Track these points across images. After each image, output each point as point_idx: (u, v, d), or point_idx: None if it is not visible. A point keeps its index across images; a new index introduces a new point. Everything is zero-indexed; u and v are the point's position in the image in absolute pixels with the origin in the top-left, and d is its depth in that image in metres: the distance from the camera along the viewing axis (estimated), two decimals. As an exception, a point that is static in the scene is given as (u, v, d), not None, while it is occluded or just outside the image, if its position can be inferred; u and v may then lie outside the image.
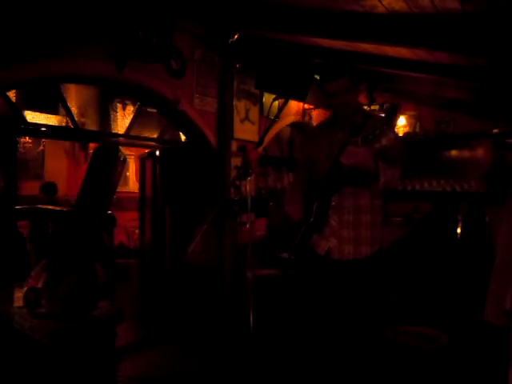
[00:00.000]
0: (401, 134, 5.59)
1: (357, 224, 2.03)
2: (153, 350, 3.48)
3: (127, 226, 6.58)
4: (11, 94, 3.72)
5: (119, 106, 6.40)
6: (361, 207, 2.04)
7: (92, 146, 6.42)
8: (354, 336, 2.05)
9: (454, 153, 5.35)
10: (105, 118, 6.44)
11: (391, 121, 1.73)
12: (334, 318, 2.08)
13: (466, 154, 5.27)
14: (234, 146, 4.63)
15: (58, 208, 3.99)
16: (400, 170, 1.99)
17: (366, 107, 5.56)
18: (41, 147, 6.56)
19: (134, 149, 6.00)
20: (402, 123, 5.66)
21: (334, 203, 2.04)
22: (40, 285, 2.21)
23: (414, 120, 5.75)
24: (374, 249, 2.06)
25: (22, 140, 6.19)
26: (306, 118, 6.14)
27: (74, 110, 5.33)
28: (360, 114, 2.10)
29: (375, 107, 5.55)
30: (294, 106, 5.92)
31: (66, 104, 4.19)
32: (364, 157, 1.83)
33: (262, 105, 5.27)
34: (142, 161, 4.74)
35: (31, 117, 5.39)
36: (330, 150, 2.08)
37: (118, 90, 5.70)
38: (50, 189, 5.16)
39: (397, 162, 1.97)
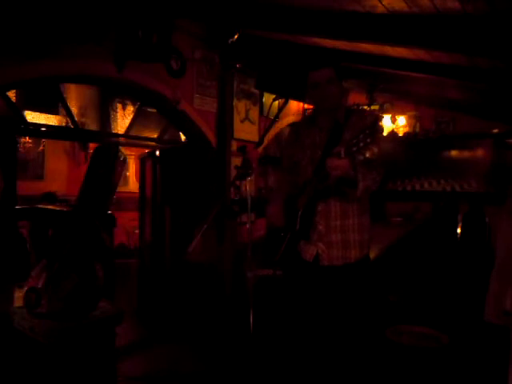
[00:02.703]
0: (401, 134, 5.59)
1: (344, 228, 2.01)
2: (153, 349, 3.48)
3: (127, 225, 6.57)
4: (11, 94, 3.73)
5: (119, 105, 6.39)
6: (348, 211, 2.02)
7: (92, 146, 6.42)
8: (350, 336, 2.04)
9: (454, 153, 5.36)
10: (105, 118, 6.44)
11: (376, 134, 1.69)
12: (329, 321, 2.05)
13: (466, 153, 5.27)
14: (234, 146, 4.63)
15: (57, 208, 3.99)
16: (381, 176, 1.96)
17: (365, 107, 5.56)
18: (41, 147, 6.55)
19: (134, 149, 6.00)
20: (402, 123, 5.66)
21: (320, 208, 2.02)
22: (40, 285, 2.21)
23: (414, 120, 5.76)
24: (364, 252, 2.05)
25: (22, 140, 6.19)
26: (306, 118, 6.13)
27: (74, 110, 5.33)
28: (342, 109, 2.07)
29: (375, 107, 5.55)
30: (294, 106, 5.92)
31: (66, 104, 4.20)
32: (347, 168, 1.81)
33: (262, 105, 5.27)
34: (142, 161, 4.74)
35: (31, 117, 5.39)
36: (312, 151, 2.07)
37: (117, 90, 5.70)
38: (51, 198, 5.50)
39: (377, 168, 1.94)
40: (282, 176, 2.33)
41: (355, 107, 5.54)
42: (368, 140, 1.69)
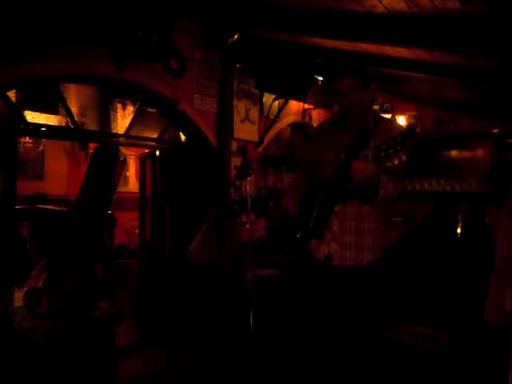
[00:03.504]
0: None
1: (359, 230, 2.01)
2: (153, 349, 3.48)
3: (127, 225, 6.57)
4: (11, 94, 3.72)
5: (119, 105, 6.39)
6: (364, 214, 2.01)
7: (92, 146, 6.42)
8: (354, 337, 2.04)
9: (454, 153, 5.36)
10: (105, 118, 6.43)
11: (407, 144, 1.66)
12: (334, 321, 2.06)
13: (466, 153, 5.27)
14: (234, 146, 4.63)
15: (57, 208, 3.99)
16: (402, 184, 1.96)
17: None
18: (41, 147, 6.55)
19: (134, 149, 6.00)
20: (402, 123, 5.66)
21: (336, 208, 2.02)
22: (40, 285, 2.21)
23: (414, 120, 5.76)
24: (376, 256, 2.03)
25: (22, 140, 6.19)
26: (306, 118, 6.15)
27: (74, 110, 5.32)
28: (371, 116, 2.06)
29: (375, 107, 5.55)
30: (294, 106, 5.92)
31: (66, 104, 4.19)
32: (371, 173, 1.80)
33: (262, 105, 5.26)
34: (142, 161, 4.74)
35: (31, 117, 5.38)
36: (336, 153, 2.05)
37: (117, 90, 5.70)
38: (41, 199, 5.66)
39: (399, 177, 1.94)
40: (298, 174, 2.34)
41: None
42: (398, 147, 1.67)
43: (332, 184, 1.97)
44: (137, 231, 5.56)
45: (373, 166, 1.77)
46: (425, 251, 4.63)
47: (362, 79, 1.96)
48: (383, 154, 1.71)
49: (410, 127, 1.97)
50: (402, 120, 5.66)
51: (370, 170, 1.78)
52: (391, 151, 1.69)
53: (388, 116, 5.57)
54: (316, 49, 3.75)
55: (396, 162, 1.69)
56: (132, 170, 7.37)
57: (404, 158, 1.68)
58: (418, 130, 5.69)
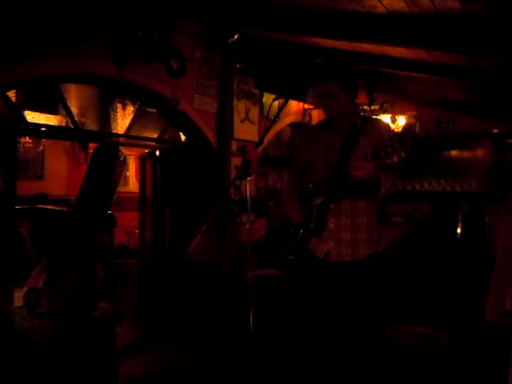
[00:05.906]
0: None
1: (354, 227, 2.07)
2: (153, 349, 3.48)
3: (127, 225, 6.57)
4: (11, 94, 3.71)
5: (119, 105, 6.38)
6: (358, 211, 2.08)
7: (92, 146, 6.42)
8: (354, 336, 2.06)
9: (454, 153, 5.36)
10: (105, 118, 6.42)
11: (405, 141, 1.74)
12: (334, 318, 2.09)
13: (466, 153, 5.28)
14: (234, 146, 4.63)
15: (57, 208, 3.99)
16: (397, 179, 2.05)
17: (365, 107, 5.57)
18: (41, 147, 6.55)
19: (134, 149, 5.99)
20: (402, 123, 5.66)
21: (332, 206, 2.08)
22: (40, 285, 2.21)
23: (414, 120, 5.76)
24: (371, 250, 2.10)
25: (22, 140, 6.19)
26: (306, 118, 6.14)
27: (74, 110, 5.31)
28: (358, 116, 2.16)
29: (375, 107, 5.55)
30: (294, 106, 5.92)
31: (66, 104, 4.19)
32: (371, 171, 1.85)
33: (262, 105, 5.27)
34: (142, 161, 4.74)
35: (31, 117, 5.37)
36: (327, 153, 2.12)
37: (118, 90, 5.68)
38: (42, 199, 5.70)
39: (396, 172, 2.01)
40: (293, 175, 2.40)
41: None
42: (397, 145, 1.73)
43: (331, 183, 2.03)
44: (137, 231, 5.55)
45: (372, 165, 1.83)
46: (425, 251, 4.63)
47: (342, 85, 2.02)
48: (382, 153, 1.77)
49: (407, 126, 2.05)
50: (401, 120, 5.66)
51: (370, 168, 1.84)
52: (389, 149, 1.75)
53: (387, 116, 5.57)
54: (316, 49, 3.75)
55: (395, 160, 1.75)
56: (132, 170, 7.36)
57: (403, 155, 1.74)
58: (417, 129, 5.69)
